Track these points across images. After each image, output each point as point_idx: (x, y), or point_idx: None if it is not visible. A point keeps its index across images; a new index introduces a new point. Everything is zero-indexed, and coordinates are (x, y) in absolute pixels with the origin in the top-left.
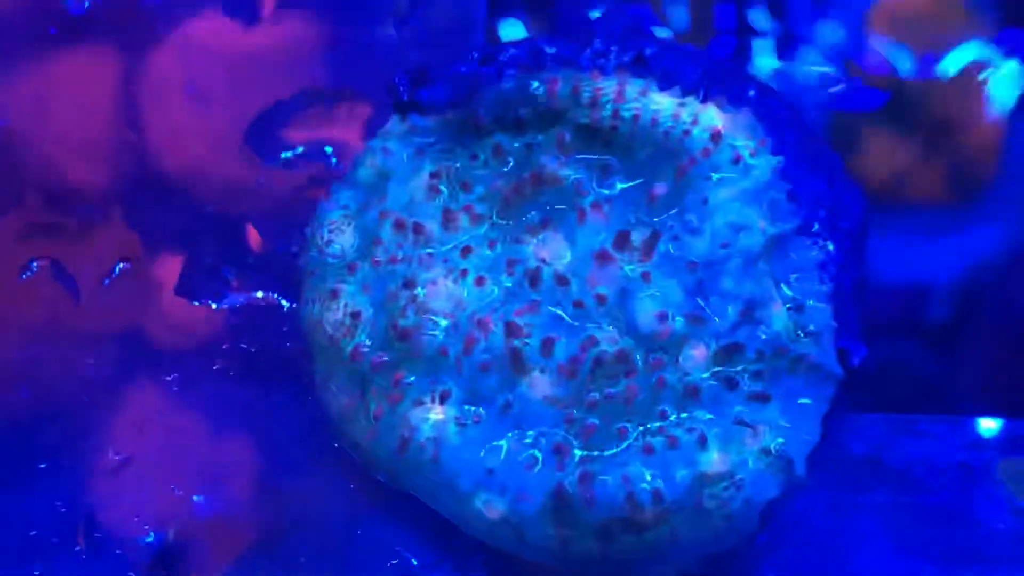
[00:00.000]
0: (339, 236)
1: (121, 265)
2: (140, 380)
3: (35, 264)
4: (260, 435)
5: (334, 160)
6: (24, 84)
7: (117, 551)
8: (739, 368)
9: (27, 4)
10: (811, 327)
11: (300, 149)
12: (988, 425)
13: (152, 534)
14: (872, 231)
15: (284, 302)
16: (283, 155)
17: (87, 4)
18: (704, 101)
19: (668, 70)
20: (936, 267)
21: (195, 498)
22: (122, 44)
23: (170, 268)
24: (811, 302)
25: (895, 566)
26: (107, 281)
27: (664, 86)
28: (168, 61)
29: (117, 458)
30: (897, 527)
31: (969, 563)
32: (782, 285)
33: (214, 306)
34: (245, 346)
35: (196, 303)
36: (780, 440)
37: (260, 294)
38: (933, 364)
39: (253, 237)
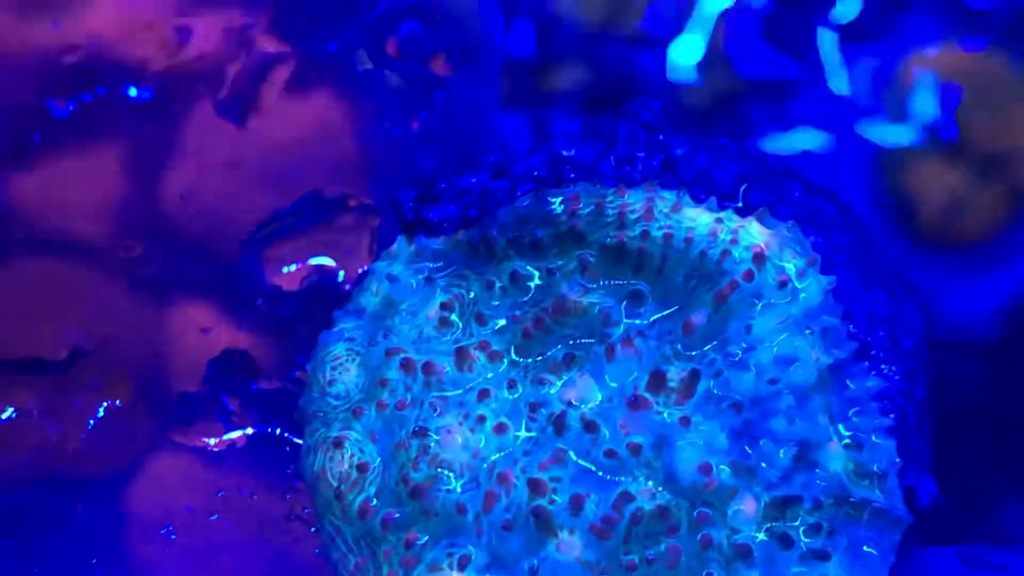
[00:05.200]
0: (343, 374)
1: (106, 404)
2: (128, 537)
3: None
4: None
5: (340, 276)
6: None
7: None
8: (795, 523)
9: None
10: (873, 467)
11: (294, 266)
12: None
13: None
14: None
15: (295, 439)
16: (284, 269)
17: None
18: (744, 210)
19: (701, 171)
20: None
21: None
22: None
23: (165, 406)
24: (874, 438)
25: None
26: (92, 423)
27: (697, 193)
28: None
29: None
30: None
31: None
32: (839, 421)
33: (212, 442)
34: (246, 493)
35: (192, 443)
36: None
37: (254, 429)
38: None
39: (254, 363)
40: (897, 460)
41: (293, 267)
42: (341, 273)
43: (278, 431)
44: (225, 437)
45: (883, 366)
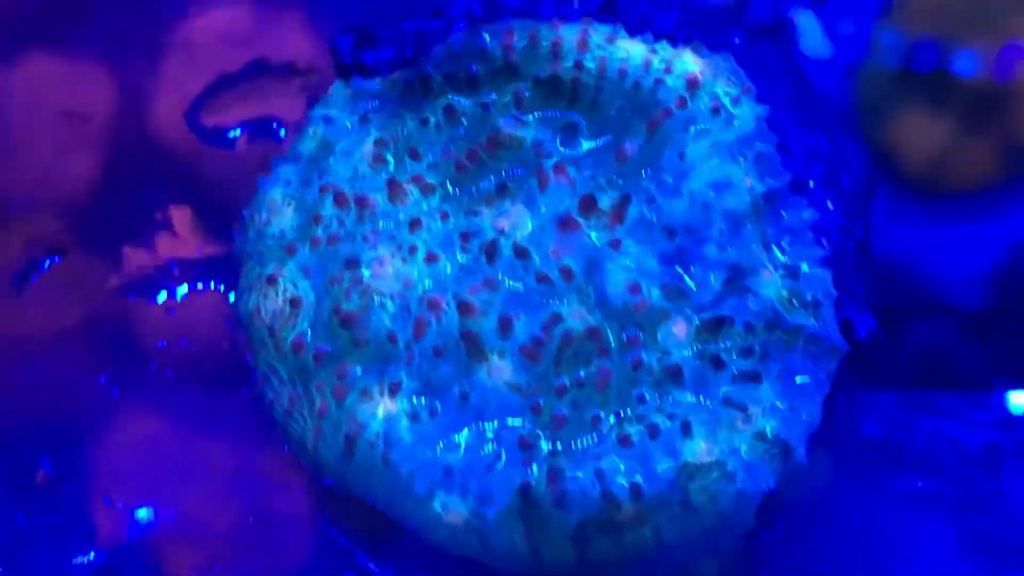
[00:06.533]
0: (279, 216)
1: (49, 261)
2: (73, 387)
3: None
4: (201, 441)
5: (283, 134)
6: None
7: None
8: (726, 344)
9: None
10: (808, 296)
11: (238, 131)
12: (1020, 400)
13: (93, 552)
14: (912, 215)
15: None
16: (230, 134)
17: None
18: (679, 46)
19: (643, 16)
20: (979, 252)
21: (138, 513)
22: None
23: (108, 262)
24: (807, 267)
25: (918, 563)
26: (35, 277)
27: (635, 33)
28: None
29: (48, 472)
30: (919, 518)
31: (1001, 557)
32: (773, 249)
33: (158, 302)
34: (184, 344)
35: (133, 298)
36: (775, 423)
37: (200, 286)
38: (972, 350)
39: (197, 224)
40: (833, 291)
41: (238, 131)
42: (283, 131)
43: (213, 284)
44: (167, 294)
45: (819, 200)
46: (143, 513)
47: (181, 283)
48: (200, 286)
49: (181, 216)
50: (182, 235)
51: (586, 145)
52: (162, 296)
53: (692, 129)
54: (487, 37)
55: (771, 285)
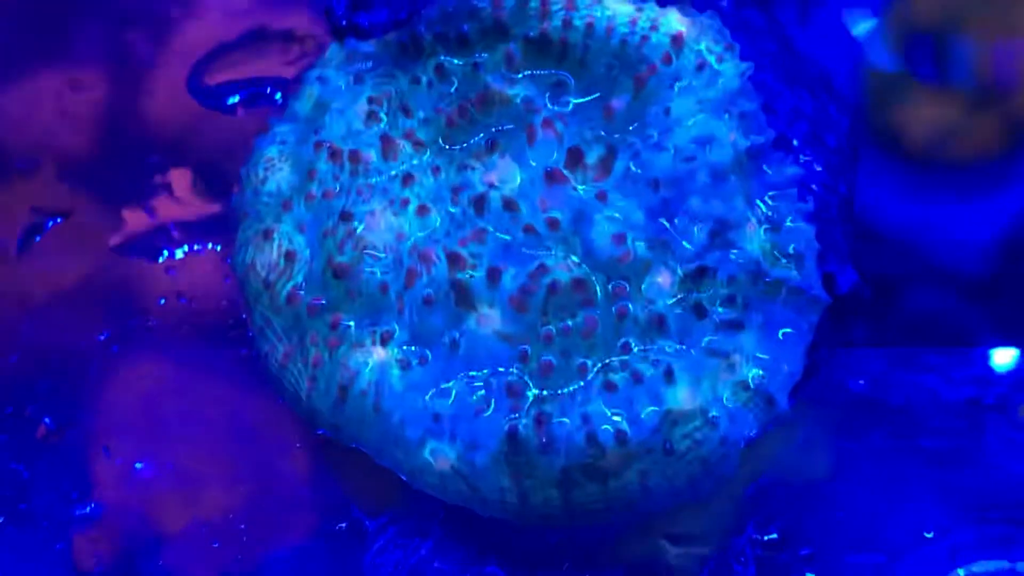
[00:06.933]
0: (275, 174)
1: (52, 222)
2: (74, 342)
3: None
4: (198, 396)
5: (278, 97)
6: None
7: (48, 523)
8: (709, 295)
9: None
10: (791, 249)
11: (237, 97)
12: (1002, 358)
13: (90, 505)
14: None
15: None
16: (229, 100)
17: None
18: (666, 6)
19: None
20: (981, 223)
21: (136, 465)
22: None
23: (109, 223)
24: (790, 222)
25: (899, 516)
26: (38, 238)
27: None
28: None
29: (49, 426)
30: (900, 472)
31: (982, 511)
32: (757, 203)
33: (158, 262)
34: (183, 303)
35: (133, 259)
36: (758, 372)
37: (197, 247)
38: (965, 314)
39: (196, 187)
40: (816, 245)
41: (237, 98)
42: (278, 95)
43: (211, 245)
44: (166, 254)
45: (803, 157)
46: (141, 466)
47: (180, 244)
48: (198, 247)
49: (180, 179)
50: (181, 197)
51: (575, 102)
52: (162, 256)
53: (677, 86)
54: None
55: (754, 238)
